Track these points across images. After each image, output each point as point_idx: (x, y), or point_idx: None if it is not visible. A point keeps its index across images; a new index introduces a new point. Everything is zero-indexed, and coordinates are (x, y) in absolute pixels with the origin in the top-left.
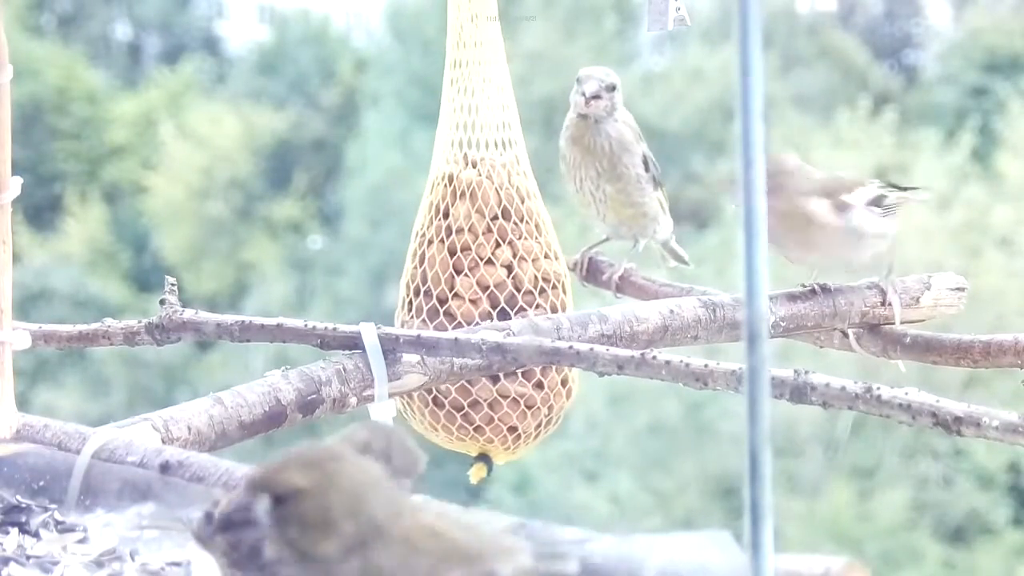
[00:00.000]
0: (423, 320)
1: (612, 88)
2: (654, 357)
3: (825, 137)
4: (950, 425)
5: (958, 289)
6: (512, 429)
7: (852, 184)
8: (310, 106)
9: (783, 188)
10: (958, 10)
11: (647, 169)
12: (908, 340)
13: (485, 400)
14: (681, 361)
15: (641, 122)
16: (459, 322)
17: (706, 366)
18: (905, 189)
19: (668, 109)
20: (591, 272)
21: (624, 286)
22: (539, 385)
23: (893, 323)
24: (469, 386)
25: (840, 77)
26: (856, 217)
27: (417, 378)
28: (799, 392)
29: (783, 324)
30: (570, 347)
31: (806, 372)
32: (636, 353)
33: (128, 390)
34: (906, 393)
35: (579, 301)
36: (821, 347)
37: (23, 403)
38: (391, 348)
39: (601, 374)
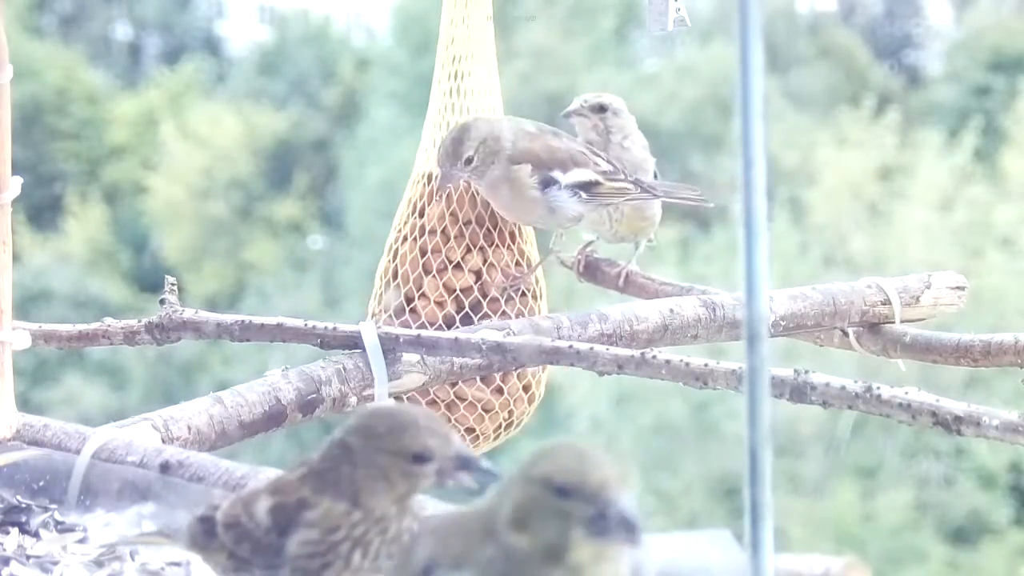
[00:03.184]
0: (390, 316)
1: (599, 109)
2: (654, 356)
3: (827, 137)
4: (950, 424)
5: (958, 288)
6: (470, 430)
7: (568, 162)
8: (310, 106)
9: (500, 152)
10: (958, 10)
11: (655, 178)
12: (908, 339)
13: (442, 401)
14: (681, 360)
15: (640, 121)
16: (423, 322)
17: (706, 365)
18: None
19: (662, 106)
20: (589, 270)
21: (625, 286)
22: (499, 390)
23: (893, 322)
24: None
25: (840, 77)
26: (552, 194)
27: (417, 377)
28: (799, 392)
29: (783, 324)
30: (570, 346)
31: (806, 372)
32: (636, 352)
33: (145, 385)
34: (906, 393)
35: (579, 300)
36: (821, 346)
37: (33, 398)
38: (391, 348)
39: (601, 373)
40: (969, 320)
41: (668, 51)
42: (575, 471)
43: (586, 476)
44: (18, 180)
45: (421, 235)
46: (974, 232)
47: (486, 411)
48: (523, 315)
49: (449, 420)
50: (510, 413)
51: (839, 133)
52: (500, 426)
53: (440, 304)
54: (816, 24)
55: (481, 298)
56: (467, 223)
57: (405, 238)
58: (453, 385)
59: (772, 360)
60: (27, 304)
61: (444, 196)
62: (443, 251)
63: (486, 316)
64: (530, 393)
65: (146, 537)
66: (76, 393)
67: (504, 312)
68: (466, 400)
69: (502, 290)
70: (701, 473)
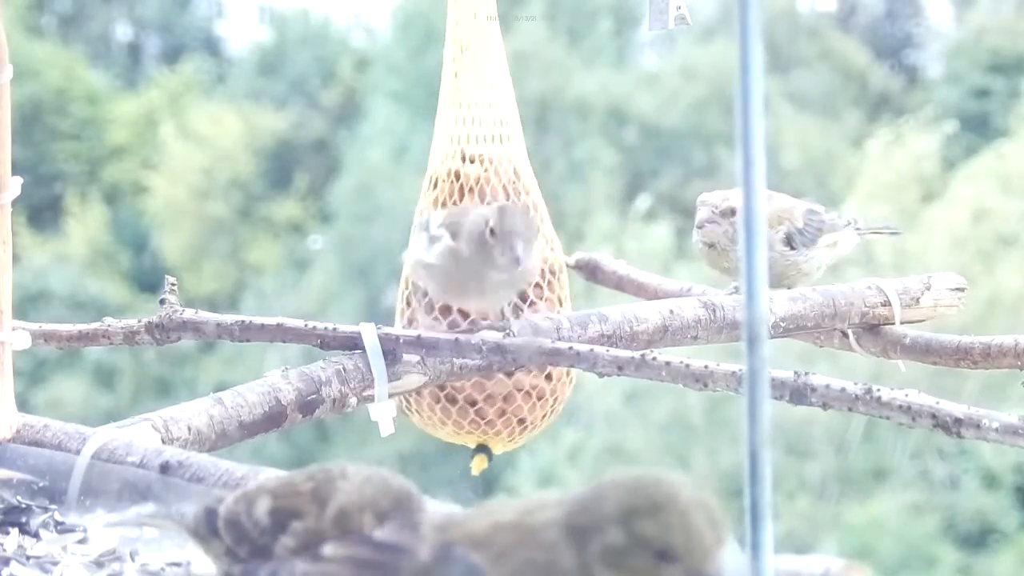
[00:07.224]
0: (435, 317)
1: (730, 212)
2: (654, 358)
3: (840, 139)
4: (950, 427)
5: (958, 289)
6: (521, 421)
7: None
8: (310, 106)
9: None
10: (959, 10)
11: (791, 246)
12: (908, 341)
13: (500, 394)
14: (681, 362)
15: (640, 120)
16: (472, 318)
17: (706, 367)
18: None
19: (665, 105)
20: (589, 269)
21: (624, 285)
22: (548, 376)
23: (893, 323)
24: (485, 380)
25: (840, 78)
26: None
27: (417, 378)
28: (799, 393)
29: (783, 324)
30: (570, 348)
31: (806, 373)
32: (636, 354)
33: (135, 382)
34: (906, 395)
35: (577, 301)
36: (821, 347)
37: (31, 399)
38: (391, 348)
39: (601, 375)
40: (986, 325)
41: (666, 51)
42: (678, 537)
43: (690, 546)
44: (18, 180)
45: None
46: (981, 232)
47: (538, 399)
48: (561, 300)
49: (504, 413)
50: (555, 400)
51: (850, 134)
52: (546, 413)
53: None
54: (816, 25)
55: (520, 301)
56: None
57: None
58: (510, 375)
59: (785, 361)
60: (27, 304)
61: (477, 189)
62: None
63: (532, 304)
64: (571, 377)
65: (150, 518)
66: (71, 394)
67: (547, 298)
68: (523, 390)
69: None
70: (712, 471)
